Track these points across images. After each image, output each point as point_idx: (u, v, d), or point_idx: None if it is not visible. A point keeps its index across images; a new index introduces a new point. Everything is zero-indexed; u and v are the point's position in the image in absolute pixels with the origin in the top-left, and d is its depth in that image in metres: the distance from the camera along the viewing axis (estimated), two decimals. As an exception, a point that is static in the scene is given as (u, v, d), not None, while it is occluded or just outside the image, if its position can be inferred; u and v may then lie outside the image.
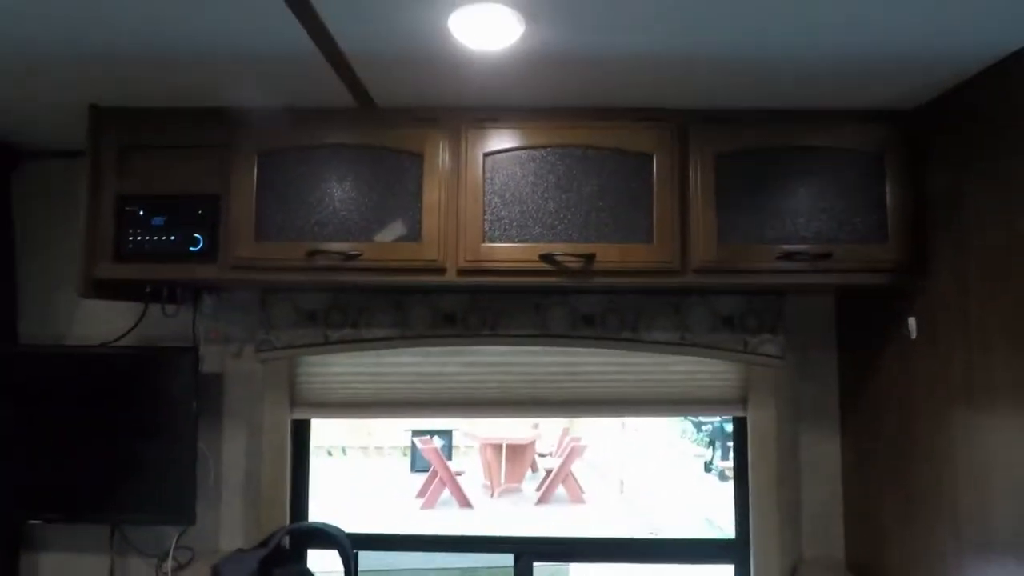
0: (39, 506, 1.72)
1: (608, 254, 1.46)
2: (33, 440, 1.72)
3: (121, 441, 1.71)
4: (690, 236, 1.47)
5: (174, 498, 1.69)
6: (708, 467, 6.72)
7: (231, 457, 1.86)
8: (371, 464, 8.89)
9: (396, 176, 1.50)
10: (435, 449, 6.67)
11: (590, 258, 1.45)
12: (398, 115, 1.52)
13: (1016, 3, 1.04)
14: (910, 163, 1.48)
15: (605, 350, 1.82)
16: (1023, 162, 1.18)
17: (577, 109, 1.51)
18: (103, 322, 1.86)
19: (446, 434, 8.11)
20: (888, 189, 1.48)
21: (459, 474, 6.61)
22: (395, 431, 8.91)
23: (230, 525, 1.85)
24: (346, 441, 9.28)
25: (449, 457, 7.66)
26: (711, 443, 7.37)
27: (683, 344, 1.77)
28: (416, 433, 7.91)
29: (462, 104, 1.50)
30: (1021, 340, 1.18)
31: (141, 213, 1.53)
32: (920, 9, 1.06)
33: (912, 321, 1.49)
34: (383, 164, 1.50)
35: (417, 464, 7.90)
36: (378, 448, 9.31)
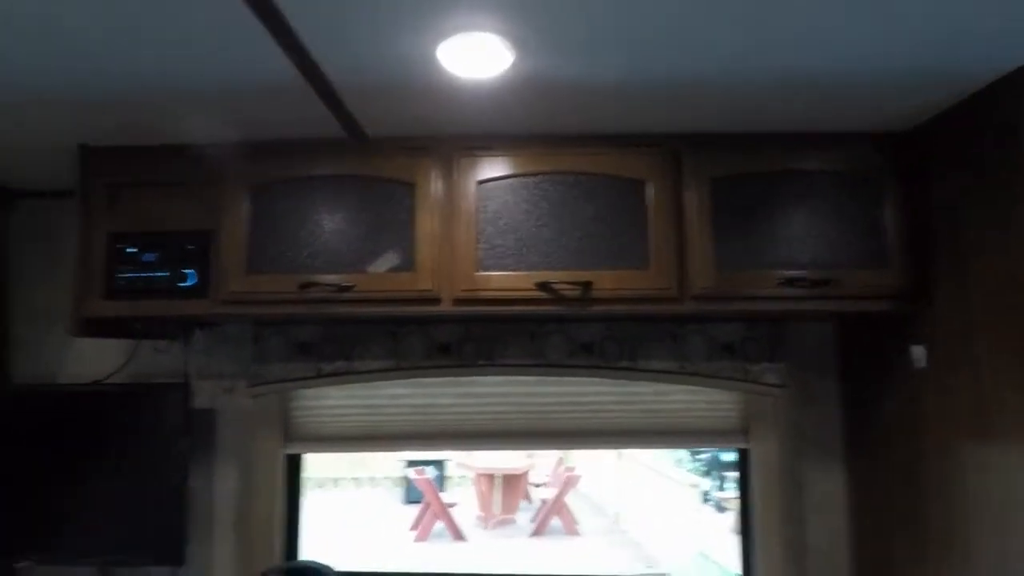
0: (28, 547, 1.68)
1: (604, 281, 1.44)
2: (24, 480, 1.68)
3: (111, 480, 1.67)
4: (687, 262, 1.45)
5: (163, 539, 1.64)
6: (706, 498, 6.56)
7: (223, 494, 1.81)
8: (363, 496, 8.73)
9: (388, 206, 1.49)
10: (428, 480, 6.54)
11: (587, 286, 1.43)
12: (389, 145, 1.51)
13: (1016, 19, 1.02)
14: (908, 186, 1.47)
15: (603, 380, 1.79)
16: (1024, 184, 1.15)
17: (569, 136, 1.51)
18: (95, 360, 1.83)
19: (439, 464, 7.97)
20: (886, 213, 1.46)
21: (452, 506, 6.47)
22: (389, 462, 8.76)
23: (221, 565, 1.79)
24: (338, 472, 9.13)
25: (442, 488, 7.51)
26: (708, 472, 7.23)
27: (682, 373, 1.74)
28: (410, 463, 7.78)
29: (453, 132, 1.50)
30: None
31: (132, 250, 1.51)
32: (915, 26, 1.05)
33: (917, 350, 1.46)
34: (375, 194, 1.49)
35: (410, 495, 7.75)
36: (371, 479, 9.16)
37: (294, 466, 1.89)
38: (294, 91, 1.27)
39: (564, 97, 1.32)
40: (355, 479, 9.12)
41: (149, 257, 1.51)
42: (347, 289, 1.45)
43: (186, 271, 1.50)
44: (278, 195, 1.50)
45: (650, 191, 1.48)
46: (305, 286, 1.45)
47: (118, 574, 1.76)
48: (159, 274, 1.50)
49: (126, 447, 1.68)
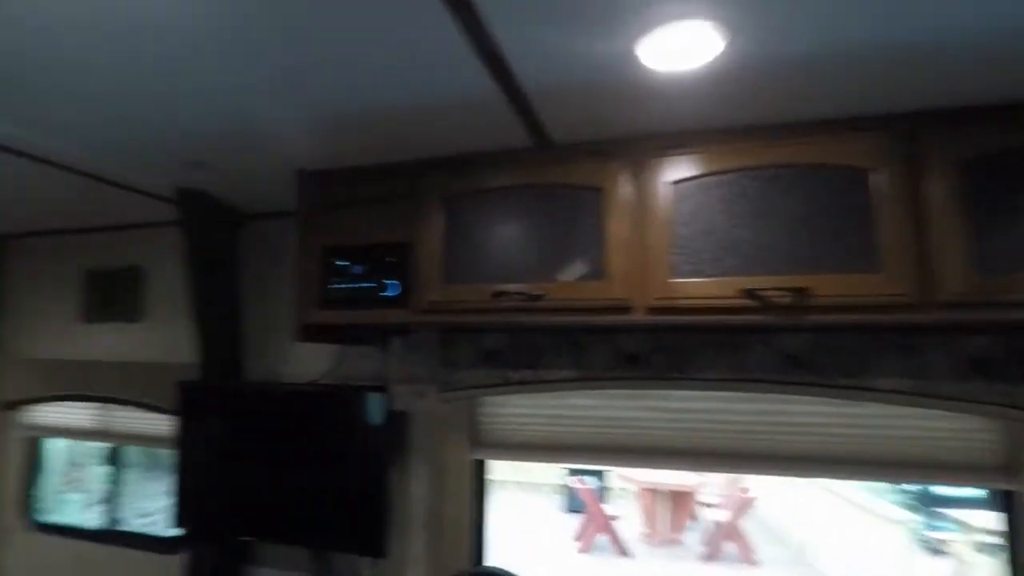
0: (252, 525, 1.89)
1: (824, 287, 1.26)
2: (252, 465, 1.91)
3: (322, 471, 1.82)
4: (933, 263, 1.22)
5: (367, 530, 1.75)
6: (921, 538, 5.61)
7: (417, 494, 1.91)
8: (525, 500, 8.88)
9: (576, 213, 1.46)
10: (591, 491, 6.44)
11: (801, 292, 1.27)
12: (575, 150, 1.49)
13: None
14: None
15: (813, 398, 1.58)
16: None
17: (774, 126, 1.36)
18: (310, 362, 2.04)
19: (600, 475, 7.82)
20: None
21: (614, 519, 6.29)
22: (551, 468, 8.83)
23: (415, 561, 1.88)
24: (503, 476, 9.40)
25: (603, 499, 7.36)
26: (915, 507, 6.19)
27: (921, 394, 1.47)
28: (571, 472, 7.74)
29: (645, 132, 1.43)
30: None
31: (343, 263, 1.65)
32: None
33: None
34: (562, 201, 1.47)
35: (571, 504, 7.70)
36: (533, 484, 9.29)
37: (479, 470, 1.94)
38: (487, 102, 1.29)
39: (777, 82, 1.19)
40: (518, 483, 9.36)
41: (357, 269, 1.64)
42: (538, 298, 1.44)
43: (388, 282, 1.60)
44: (469, 207, 1.54)
45: (877, 180, 1.27)
46: (497, 295, 1.46)
47: (328, 557, 1.93)
48: (366, 285, 1.62)
49: (335, 442, 1.83)
